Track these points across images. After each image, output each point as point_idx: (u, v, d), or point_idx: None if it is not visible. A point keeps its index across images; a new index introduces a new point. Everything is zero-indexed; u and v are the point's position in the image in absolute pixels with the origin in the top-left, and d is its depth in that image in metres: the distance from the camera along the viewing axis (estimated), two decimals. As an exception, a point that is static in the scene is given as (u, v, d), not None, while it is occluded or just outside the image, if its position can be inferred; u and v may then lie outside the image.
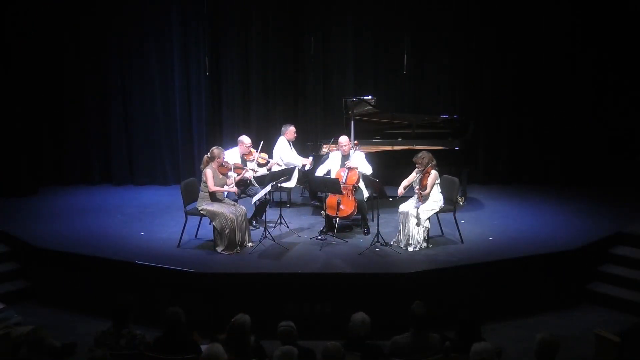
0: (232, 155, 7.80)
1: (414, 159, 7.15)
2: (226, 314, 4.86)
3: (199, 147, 10.26)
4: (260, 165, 8.15)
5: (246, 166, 7.89)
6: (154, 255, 6.91)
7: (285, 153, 8.50)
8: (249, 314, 4.62)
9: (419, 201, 7.07)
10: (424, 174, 7.04)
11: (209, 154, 7.20)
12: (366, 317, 4.70)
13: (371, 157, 8.01)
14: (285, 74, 10.42)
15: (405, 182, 7.24)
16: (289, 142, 8.63)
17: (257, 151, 8.05)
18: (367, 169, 7.61)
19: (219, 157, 7.13)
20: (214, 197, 7.06)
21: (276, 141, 8.67)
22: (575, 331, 6.26)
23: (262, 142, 8.08)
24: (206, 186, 7.03)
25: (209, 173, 7.02)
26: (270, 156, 8.51)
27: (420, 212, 6.97)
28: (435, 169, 7.08)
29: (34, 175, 9.97)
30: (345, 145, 7.69)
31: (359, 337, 4.67)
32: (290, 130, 8.64)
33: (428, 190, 7.03)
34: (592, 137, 10.01)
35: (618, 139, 9.90)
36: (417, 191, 7.05)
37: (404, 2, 10.10)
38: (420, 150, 7.30)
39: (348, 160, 7.59)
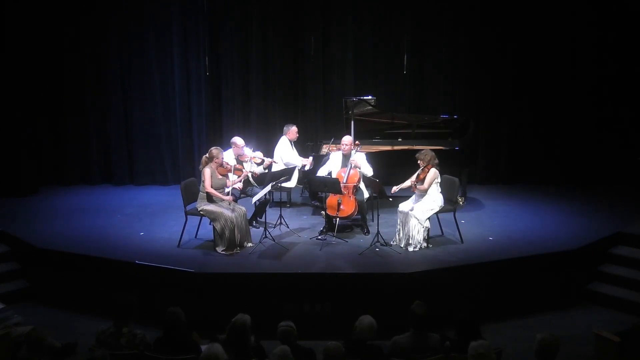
0: (227, 158, 7.78)
1: (416, 155, 7.16)
2: (226, 314, 4.86)
3: (199, 147, 10.26)
4: (257, 164, 8.14)
5: (243, 167, 7.88)
6: (154, 255, 6.92)
7: (285, 153, 8.49)
8: (249, 314, 4.62)
9: (413, 190, 7.10)
10: (423, 170, 7.06)
11: (207, 155, 7.20)
12: (374, 323, 4.69)
13: (371, 157, 8.00)
14: (285, 74, 10.42)
15: (404, 185, 7.25)
16: (290, 142, 8.62)
17: (251, 150, 8.03)
18: (368, 170, 7.62)
19: (217, 158, 7.12)
20: (211, 198, 7.05)
21: (278, 140, 8.66)
22: (575, 331, 6.26)
23: (250, 147, 8.10)
24: (204, 186, 7.03)
25: (207, 172, 7.03)
26: (271, 155, 8.50)
27: (420, 212, 6.98)
28: (436, 168, 7.09)
29: (34, 175, 9.97)
30: (346, 145, 7.69)
31: (361, 340, 4.68)
32: (293, 130, 8.62)
33: (425, 186, 7.04)
34: (593, 137, 10.01)
35: (618, 139, 9.89)
36: (412, 183, 7.06)
37: (404, 2, 10.10)
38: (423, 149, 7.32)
39: (352, 158, 7.59)
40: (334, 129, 9.32)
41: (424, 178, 7.06)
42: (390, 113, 8.98)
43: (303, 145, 9.34)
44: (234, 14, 10.19)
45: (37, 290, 7.29)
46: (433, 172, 7.06)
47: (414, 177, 7.16)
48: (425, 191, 7.08)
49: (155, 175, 10.47)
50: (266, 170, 8.19)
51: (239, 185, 7.53)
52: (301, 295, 6.40)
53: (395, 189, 7.23)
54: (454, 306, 5.52)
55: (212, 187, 7.03)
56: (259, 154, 8.22)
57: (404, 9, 10.11)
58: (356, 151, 7.70)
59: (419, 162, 7.12)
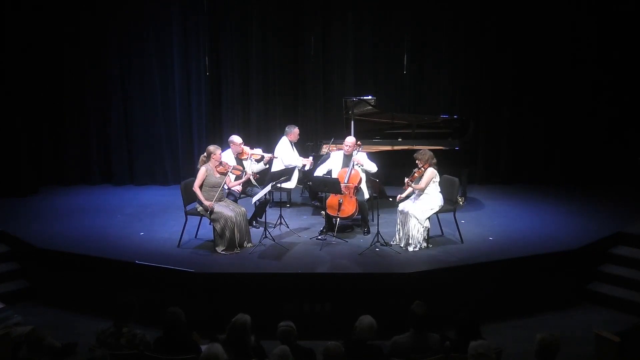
0: (226, 158, 7.76)
1: (415, 155, 7.16)
2: (226, 314, 4.86)
3: (199, 147, 10.24)
4: (257, 161, 8.13)
5: (243, 166, 7.87)
6: (154, 255, 6.92)
7: (286, 154, 8.46)
8: (249, 314, 4.62)
9: (405, 188, 7.10)
10: (419, 169, 7.06)
11: (205, 153, 7.20)
12: (374, 323, 4.69)
13: (371, 157, 8.00)
14: (285, 74, 10.42)
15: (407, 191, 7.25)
16: (291, 143, 8.59)
17: (250, 148, 8.01)
18: (372, 167, 7.62)
19: (215, 154, 7.12)
20: (210, 197, 7.03)
21: (278, 141, 8.65)
22: (575, 331, 6.25)
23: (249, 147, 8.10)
24: (202, 185, 7.02)
25: (201, 171, 7.02)
26: (271, 153, 8.47)
27: (420, 212, 6.98)
28: (434, 167, 7.08)
29: (34, 175, 9.97)
30: (349, 146, 7.68)
31: (361, 340, 4.68)
32: (295, 132, 8.59)
33: (422, 185, 7.03)
34: (593, 137, 10.02)
35: (618, 139, 9.90)
36: (407, 181, 7.05)
37: (404, 2, 10.10)
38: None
39: (355, 157, 7.58)
40: (334, 129, 9.32)
41: (420, 177, 7.06)
42: (390, 113, 8.98)
43: (303, 146, 9.33)
44: (234, 14, 10.19)
45: (37, 290, 7.30)
46: (430, 172, 7.05)
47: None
48: (422, 190, 7.07)
49: (155, 175, 10.47)
50: (267, 166, 8.19)
51: (239, 188, 7.53)
52: (301, 295, 6.39)
53: (400, 197, 7.21)
54: (454, 306, 5.52)
55: (207, 185, 7.03)
56: (258, 151, 8.21)
57: (404, 9, 10.10)
58: (358, 151, 7.70)
59: (417, 161, 7.12)
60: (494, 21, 10.00)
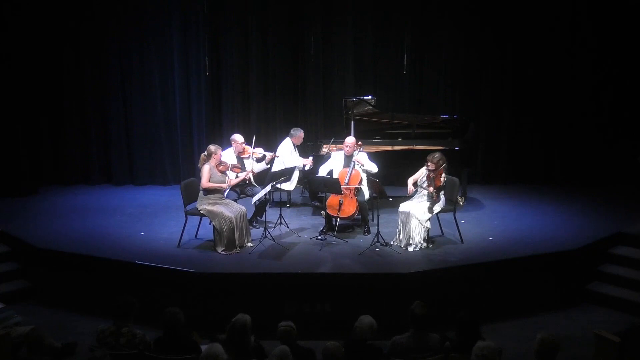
0: (228, 156, 7.77)
1: (428, 158, 7.05)
2: (226, 314, 4.87)
3: (199, 147, 10.24)
4: (258, 160, 8.13)
5: (244, 165, 7.87)
6: (154, 255, 6.92)
7: (287, 156, 8.44)
8: (249, 314, 4.63)
9: (435, 199, 7.04)
10: (437, 175, 6.99)
11: (205, 152, 7.21)
12: (374, 323, 4.70)
13: (371, 157, 8.01)
14: (285, 74, 10.42)
15: (411, 180, 7.21)
16: (293, 145, 8.58)
17: (251, 147, 8.02)
18: (373, 167, 7.62)
19: (216, 154, 7.13)
20: (210, 193, 7.04)
21: (278, 140, 8.63)
22: (575, 331, 6.26)
23: (254, 137, 8.05)
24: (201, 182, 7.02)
25: (205, 169, 7.04)
26: (272, 151, 8.46)
27: (421, 213, 6.96)
28: (445, 172, 7.06)
29: (34, 176, 9.97)
30: (349, 146, 7.67)
31: (361, 340, 4.68)
32: (299, 136, 8.56)
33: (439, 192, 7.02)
34: (592, 137, 10.01)
35: (618, 139, 9.90)
36: (431, 191, 7.01)
37: (404, 2, 10.10)
38: (429, 150, 7.28)
39: (355, 158, 7.58)
40: (334, 129, 9.32)
41: (440, 185, 6.96)
42: (390, 113, 8.98)
43: (303, 146, 9.32)
44: (234, 14, 10.18)
45: (37, 290, 7.30)
46: (443, 177, 7.03)
47: (421, 176, 7.09)
48: (437, 198, 7.04)
49: (155, 175, 10.47)
50: (268, 166, 8.19)
51: (250, 175, 7.52)
52: (301, 295, 6.40)
53: (411, 188, 7.16)
54: (454, 306, 5.52)
55: (213, 182, 7.04)
56: (259, 150, 8.21)
57: (404, 9, 10.10)
58: (358, 152, 7.69)
59: (428, 163, 7.00)
60: (493, 22, 9.99)
